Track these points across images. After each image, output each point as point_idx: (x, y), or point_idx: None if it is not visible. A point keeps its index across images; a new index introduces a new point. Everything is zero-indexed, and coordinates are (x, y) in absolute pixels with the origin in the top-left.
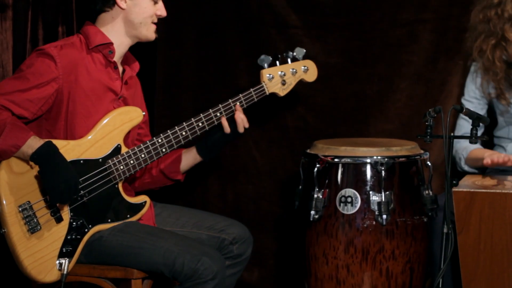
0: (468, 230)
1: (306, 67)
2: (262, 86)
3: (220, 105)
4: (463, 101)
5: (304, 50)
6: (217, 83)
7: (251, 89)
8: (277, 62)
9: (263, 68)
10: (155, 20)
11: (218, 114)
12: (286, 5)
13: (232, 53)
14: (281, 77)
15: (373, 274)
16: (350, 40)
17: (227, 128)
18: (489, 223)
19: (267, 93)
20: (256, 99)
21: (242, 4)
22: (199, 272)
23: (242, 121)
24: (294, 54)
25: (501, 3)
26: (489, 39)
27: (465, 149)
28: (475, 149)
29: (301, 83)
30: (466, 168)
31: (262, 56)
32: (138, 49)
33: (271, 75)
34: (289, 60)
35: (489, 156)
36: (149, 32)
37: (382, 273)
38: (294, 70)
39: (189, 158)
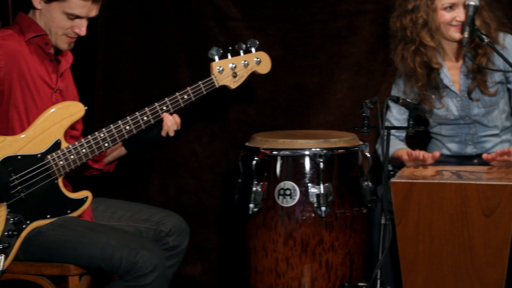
0: (407, 220)
1: (258, 59)
2: (212, 79)
3: (166, 99)
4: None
5: (257, 42)
6: (157, 77)
7: (200, 82)
8: (229, 55)
9: (213, 60)
10: (71, 35)
11: (164, 108)
12: None
13: (172, 47)
14: (232, 69)
15: (313, 267)
16: (290, 32)
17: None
18: (428, 213)
19: (217, 86)
20: (205, 92)
21: None
22: (138, 265)
23: (171, 125)
24: (247, 45)
25: (415, 10)
26: (408, 46)
27: (390, 147)
28: (400, 148)
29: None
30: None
31: (213, 49)
32: (76, 43)
33: (221, 68)
34: (241, 52)
35: (408, 154)
36: (58, 42)
37: (322, 265)
38: (246, 62)
39: (115, 148)
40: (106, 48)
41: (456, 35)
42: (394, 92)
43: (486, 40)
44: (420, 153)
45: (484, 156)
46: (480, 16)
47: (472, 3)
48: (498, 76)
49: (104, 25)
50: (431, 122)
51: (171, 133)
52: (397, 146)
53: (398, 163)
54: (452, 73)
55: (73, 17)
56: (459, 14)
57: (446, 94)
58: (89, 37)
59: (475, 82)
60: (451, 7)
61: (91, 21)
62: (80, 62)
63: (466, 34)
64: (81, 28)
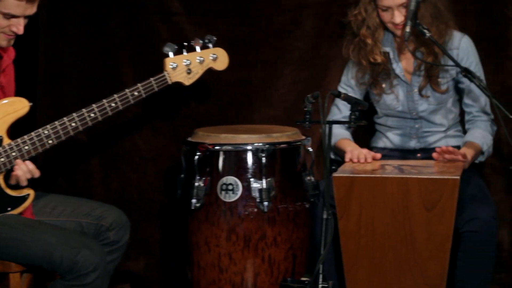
0: (349, 215)
1: (215, 55)
2: (164, 75)
3: (115, 95)
4: (339, 88)
5: (215, 38)
6: (100, 72)
7: (151, 79)
8: (184, 51)
9: (167, 56)
10: (9, 33)
11: (113, 105)
12: None
13: (115, 41)
14: (186, 65)
15: (256, 262)
16: (234, 26)
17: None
18: (370, 207)
19: (170, 82)
20: (157, 89)
21: None
22: (79, 265)
23: (23, 174)
24: (205, 41)
25: (356, 5)
26: (353, 40)
27: (333, 136)
28: (343, 139)
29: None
30: (331, 155)
31: (167, 44)
32: (18, 38)
33: (174, 64)
34: (198, 48)
35: (350, 152)
36: None
37: (265, 260)
38: (202, 59)
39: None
40: (48, 43)
41: (397, 32)
42: (345, 74)
43: (428, 35)
44: (361, 156)
45: (434, 155)
46: (429, 11)
47: None
48: (450, 74)
49: (46, 19)
50: (379, 112)
51: (23, 183)
52: (341, 135)
53: (339, 153)
54: (404, 64)
55: (9, 16)
56: (394, 17)
57: (397, 83)
58: (31, 32)
59: (426, 79)
60: (387, 9)
61: (33, 15)
62: (22, 57)
63: (408, 29)
64: (18, 27)
